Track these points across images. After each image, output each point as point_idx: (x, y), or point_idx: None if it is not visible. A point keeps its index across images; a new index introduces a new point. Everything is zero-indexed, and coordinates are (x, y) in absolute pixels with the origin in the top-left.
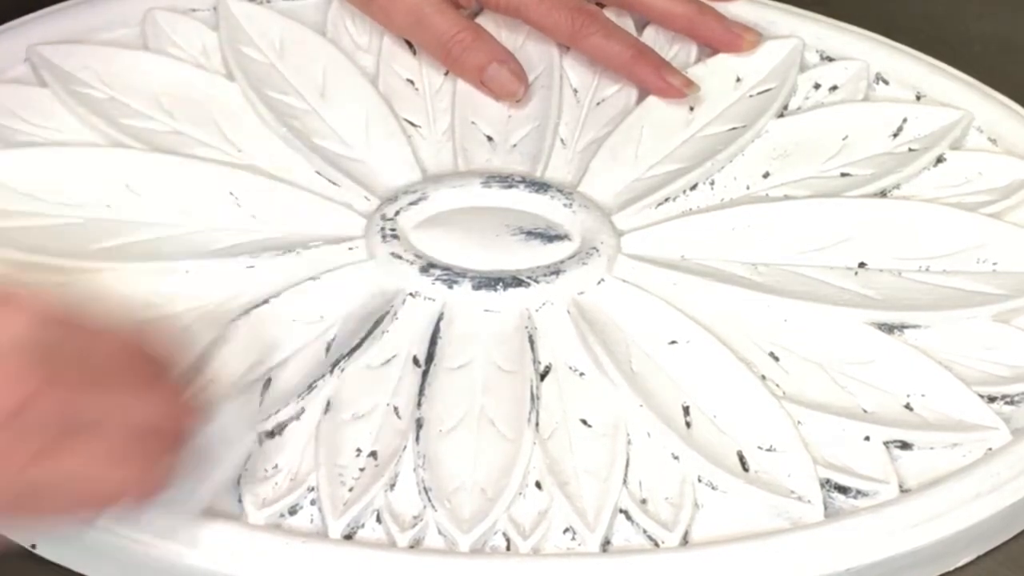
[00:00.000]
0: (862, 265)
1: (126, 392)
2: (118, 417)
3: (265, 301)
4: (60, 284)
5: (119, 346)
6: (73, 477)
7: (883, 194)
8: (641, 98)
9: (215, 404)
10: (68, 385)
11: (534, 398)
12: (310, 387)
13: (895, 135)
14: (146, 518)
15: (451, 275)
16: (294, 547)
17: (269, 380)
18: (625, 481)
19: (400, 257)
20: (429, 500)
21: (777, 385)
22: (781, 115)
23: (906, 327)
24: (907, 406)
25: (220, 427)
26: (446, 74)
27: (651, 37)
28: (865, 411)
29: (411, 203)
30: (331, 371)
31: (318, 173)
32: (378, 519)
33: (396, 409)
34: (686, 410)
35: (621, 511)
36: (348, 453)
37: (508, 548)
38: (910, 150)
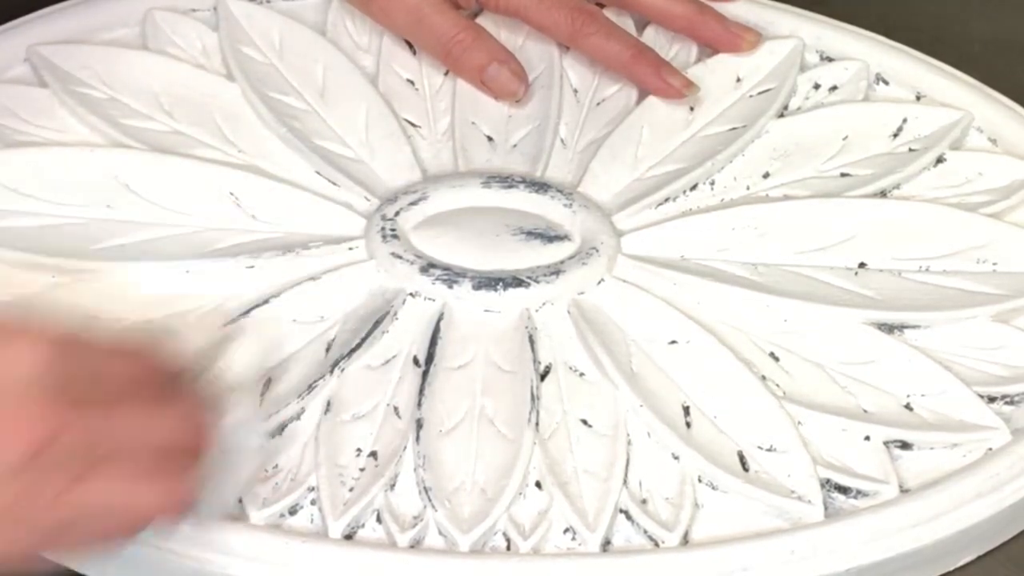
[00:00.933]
0: (862, 265)
1: (144, 410)
2: (139, 438)
3: (265, 301)
4: (60, 284)
5: (131, 363)
6: (103, 506)
7: (883, 194)
8: (641, 98)
9: (227, 408)
10: (88, 415)
11: (534, 398)
12: (310, 387)
13: (895, 135)
14: (177, 531)
15: (451, 275)
16: (294, 547)
17: (269, 380)
18: (625, 481)
19: (400, 257)
20: (429, 500)
21: (777, 385)
22: (781, 115)
23: (906, 327)
24: (907, 406)
25: (235, 433)
26: (446, 74)
27: (651, 37)
28: (865, 411)
29: (411, 203)
30: (331, 371)
31: (318, 173)
32: (378, 519)
33: (396, 409)
34: (686, 410)
35: (621, 511)
36: (348, 453)
37: (508, 548)
38: (910, 150)
